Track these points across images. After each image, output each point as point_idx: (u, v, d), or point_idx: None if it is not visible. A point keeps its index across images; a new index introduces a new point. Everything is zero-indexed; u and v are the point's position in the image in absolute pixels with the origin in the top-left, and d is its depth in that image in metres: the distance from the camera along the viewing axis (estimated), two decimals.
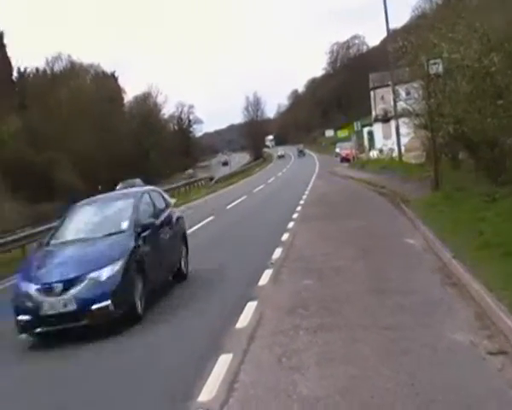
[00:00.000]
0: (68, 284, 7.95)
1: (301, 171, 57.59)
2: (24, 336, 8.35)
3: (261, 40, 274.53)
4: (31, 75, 78.16)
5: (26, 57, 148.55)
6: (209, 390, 5.52)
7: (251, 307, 8.29)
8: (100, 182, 57.77)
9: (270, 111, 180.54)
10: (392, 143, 39.59)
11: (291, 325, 7.14)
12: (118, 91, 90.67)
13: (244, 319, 7.72)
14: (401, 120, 29.60)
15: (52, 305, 7.88)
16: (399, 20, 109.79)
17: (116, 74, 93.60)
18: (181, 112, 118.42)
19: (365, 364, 5.59)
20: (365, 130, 56.68)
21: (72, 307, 7.85)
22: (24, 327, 8.13)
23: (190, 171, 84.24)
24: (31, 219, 38.69)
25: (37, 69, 78.26)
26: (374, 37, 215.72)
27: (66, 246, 9.15)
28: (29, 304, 8.00)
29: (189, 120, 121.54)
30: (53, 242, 9.45)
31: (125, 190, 11.18)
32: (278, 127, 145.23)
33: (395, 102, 31.64)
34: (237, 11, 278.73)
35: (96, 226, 9.52)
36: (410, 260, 10.15)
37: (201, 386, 5.63)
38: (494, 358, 5.35)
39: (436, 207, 14.59)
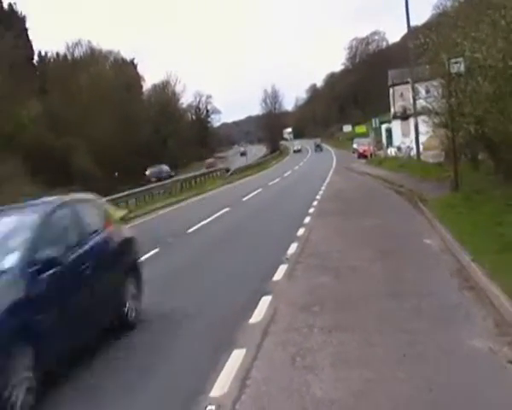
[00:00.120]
0: None
1: (318, 166, 57.37)
2: None
3: (281, 33, 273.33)
4: (51, 60, 78.55)
5: (47, 42, 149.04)
6: (221, 385, 5.49)
7: (265, 301, 8.24)
8: (117, 169, 58.14)
9: (288, 104, 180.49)
10: (410, 141, 39.26)
11: (305, 323, 7.07)
12: (137, 79, 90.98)
13: (258, 314, 7.67)
14: (420, 118, 29.33)
15: None
16: (420, 17, 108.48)
17: (135, 62, 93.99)
18: (199, 101, 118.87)
19: (381, 367, 5.51)
20: (383, 127, 56.24)
21: None
22: None
23: (211, 160, 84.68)
24: None
25: (57, 54, 78.70)
26: (394, 33, 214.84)
27: None
28: None
29: (207, 110, 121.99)
30: None
31: (34, 201, 7.53)
32: (296, 120, 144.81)
33: (414, 99, 31.35)
34: (258, 2, 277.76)
35: None
36: (427, 261, 10.00)
37: (214, 380, 5.60)
38: None
39: (455, 208, 14.40)
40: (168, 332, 7.52)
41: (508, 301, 6.54)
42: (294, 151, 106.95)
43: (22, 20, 71.01)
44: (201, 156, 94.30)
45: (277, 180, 40.30)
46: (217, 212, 21.17)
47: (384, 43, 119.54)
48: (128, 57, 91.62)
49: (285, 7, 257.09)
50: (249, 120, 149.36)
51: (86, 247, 6.98)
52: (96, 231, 7.45)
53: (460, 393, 4.86)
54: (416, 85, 29.79)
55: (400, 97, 51.94)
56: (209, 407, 5.08)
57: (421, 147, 33.57)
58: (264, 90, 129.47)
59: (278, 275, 9.93)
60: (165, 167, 61.90)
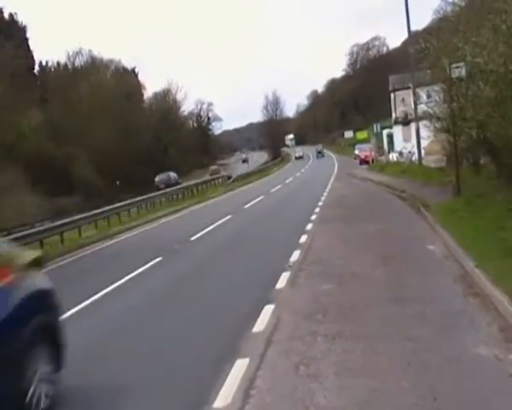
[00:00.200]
0: None
1: (320, 172, 57.36)
2: None
3: (282, 40, 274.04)
4: (52, 69, 78.89)
5: (47, 51, 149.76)
6: (225, 396, 5.44)
7: (268, 310, 8.18)
8: (118, 177, 58.21)
9: (289, 110, 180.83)
10: (412, 146, 39.24)
11: (309, 331, 7.02)
12: (138, 87, 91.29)
13: (261, 323, 7.61)
14: (421, 123, 29.33)
15: None
16: (421, 22, 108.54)
17: (136, 70, 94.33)
18: (200, 109, 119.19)
19: (385, 376, 5.45)
20: (385, 132, 56.24)
21: None
22: None
23: (215, 167, 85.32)
24: (50, 213, 39.01)
25: (58, 63, 78.99)
26: (394, 38, 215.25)
27: None
28: None
29: (208, 118, 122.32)
30: None
31: None
32: (297, 127, 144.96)
33: (416, 104, 31.38)
34: (258, 10, 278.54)
35: None
36: (430, 267, 9.95)
37: (217, 391, 5.55)
38: None
39: (457, 213, 14.37)
40: (168, 343, 7.48)
41: None
42: (296, 158, 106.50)
43: (23, 30, 71.43)
44: (203, 164, 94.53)
45: (279, 187, 40.29)
46: (219, 220, 21.17)
47: (384, 49, 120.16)
48: (129, 66, 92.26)
49: (286, 14, 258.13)
50: (250, 126, 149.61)
51: None
52: None
53: (465, 402, 4.80)
54: (417, 90, 29.83)
55: (401, 103, 52.06)
56: None
57: (422, 152, 33.56)
58: (266, 96, 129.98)
59: (281, 283, 9.88)
60: (173, 175, 63.05)
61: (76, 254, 19.03)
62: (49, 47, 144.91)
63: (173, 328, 8.18)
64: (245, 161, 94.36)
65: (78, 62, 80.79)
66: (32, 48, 73.32)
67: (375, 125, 54.96)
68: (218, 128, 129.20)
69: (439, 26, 21.88)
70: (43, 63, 77.91)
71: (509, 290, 6.99)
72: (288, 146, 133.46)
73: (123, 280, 12.07)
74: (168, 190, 44.12)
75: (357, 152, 65.73)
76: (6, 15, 68.85)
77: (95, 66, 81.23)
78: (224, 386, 5.65)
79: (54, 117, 62.57)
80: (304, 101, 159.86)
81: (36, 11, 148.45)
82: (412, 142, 38.73)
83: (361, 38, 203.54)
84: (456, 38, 16.29)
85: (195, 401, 5.42)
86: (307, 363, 6.00)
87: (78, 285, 12.81)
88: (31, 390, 4.97)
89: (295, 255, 12.27)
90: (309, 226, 16.83)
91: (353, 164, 58.82)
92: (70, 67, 79.83)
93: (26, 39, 71.81)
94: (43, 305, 5.73)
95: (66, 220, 24.47)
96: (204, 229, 18.85)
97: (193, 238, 17.27)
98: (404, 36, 47.71)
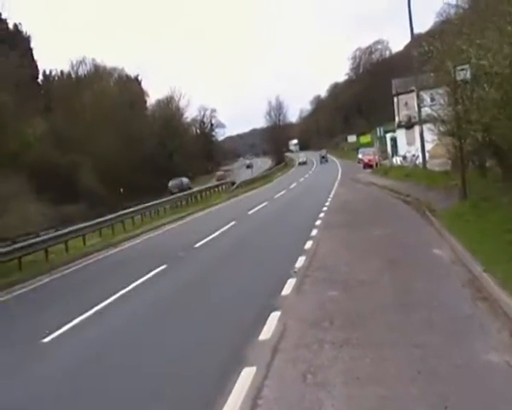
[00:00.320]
0: None
1: (323, 177, 57.20)
2: None
3: (284, 45, 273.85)
4: (56, 78, 79.29)
5: (51, 61, 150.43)
6: (232, 406, 5.37)
7: (274, 317, 8.12)
8: (122, 185, 58.27)
9: (293, 116, 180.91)
10: (415, 149, 39.11)
11: (315, 339, 6.94)
12: (141, 95, 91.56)
13: (267, 331, 7.55)
14: (425, 127, 29.19)
15: None
16: (423, 25, 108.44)
17: (139, 78, 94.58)
18: (203, 115, 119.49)
19: (394, 383, 5.37)
20: (388, 136, 56.10)
21: None
22: None
23: (221, 173, 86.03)
24: (55, 221, 39.00)
25: (61, 72, 79.34)
26: (397, 42, 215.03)
27: None
28: None
29: (212, 124, 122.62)
30: None
31: None
32: (300, 132, 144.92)
33: (419, 107, 31.26)
34: (260, 16, 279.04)
35: None
36: (437, 272, 9.85)
37: (225, 400, 5.48)
38: None
39: (463, 216, 14.26)
40: (173, 351, 7.41)
41: None
42: (299, 163, 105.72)
43: (27, 40, 71.80)
44: (207, 170, 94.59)
45: (283, 192, 40.18)
46: (223, 226, 21.10)
47: (387, 53, 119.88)
48: (132, 73, 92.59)
49: (288, 19, 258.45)
50: (254, 132, 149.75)
51: None
52: None
53: None
54: (421, 93, 29.72)
55: (405, 106, 51.97)
56: None
57: (427, 155, 33.42)
58: (269, 102, 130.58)
59: (287, 290, 9.81)
60: (186, 180, 67.54)
61: (80, 263, 18.99)
62: (52, 56, 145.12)
63: (179, 336, 8.13)
64: (249, 166, 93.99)
65: (81, 71, 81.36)
66: (36, 57, 73.82)
67: (378, 129, 54.79)
68: (221, 134, 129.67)
69: (443, 29, 21.81)
70: (47, 72, 78.49)
71: None
72: (291, 151, 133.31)
73: (127, 288, 12.02)
74: (173, 196, 44.58)
75: (360, 156, 65.60)
76: (11, 26, 69.15)
77: (98, 74, 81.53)
78: (231, 395, 5.59)
79: (58, 125, 62.79)
80: (307, 106, 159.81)
81: (40, 21, 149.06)
82: (416, 145, 38.56)
83: (363, 42, 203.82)
84: (460, 41, 16.20)
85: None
86: (314, 371, 5.93)
87: (82, 294, 12.77)
88: None
89: (300, 261, 12.19)
90: (314, 232, 16.73)
91: (357, 168, 58.63)
92: (73, 75, 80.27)
93: (31, 49, 72.20)
94: None
95: (70, 229, 24.44)
96: (208, 236, 18.79)
97: (197, 245, 17.22)
98: (407, 40, 47.84)
